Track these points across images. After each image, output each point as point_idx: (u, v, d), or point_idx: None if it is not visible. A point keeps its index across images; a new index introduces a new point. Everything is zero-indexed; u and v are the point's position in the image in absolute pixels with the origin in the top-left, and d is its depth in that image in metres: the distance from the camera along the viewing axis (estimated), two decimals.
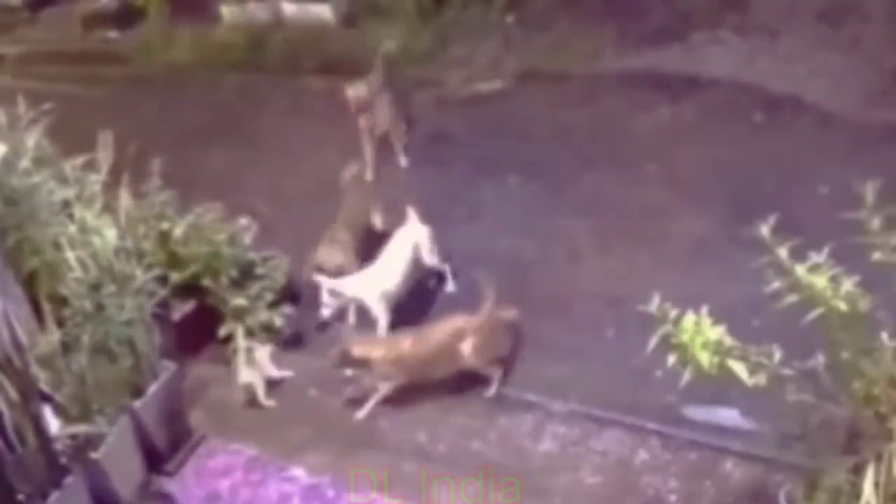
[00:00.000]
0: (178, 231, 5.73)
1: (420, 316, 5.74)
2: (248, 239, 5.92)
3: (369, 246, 6.05)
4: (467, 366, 5.27)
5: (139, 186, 5.65)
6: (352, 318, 5.87)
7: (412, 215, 5.97)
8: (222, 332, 5.64)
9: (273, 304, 5.75)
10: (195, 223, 5.81)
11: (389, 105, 7.23)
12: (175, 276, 5.57)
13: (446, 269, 6.07)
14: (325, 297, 5.67)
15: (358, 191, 6.49)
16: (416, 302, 5.89)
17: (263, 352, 5.51)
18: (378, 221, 6.37)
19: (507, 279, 6.03)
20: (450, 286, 6.06)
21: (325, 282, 5.66)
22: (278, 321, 5.70)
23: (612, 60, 7.82)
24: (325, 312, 5.70)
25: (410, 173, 7.15)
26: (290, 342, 5.79)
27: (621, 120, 7.13)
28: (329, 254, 5.94)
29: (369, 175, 6.98)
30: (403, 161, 7.24)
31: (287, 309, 5.79)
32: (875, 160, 5.74)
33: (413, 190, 6.65)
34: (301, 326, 5.86)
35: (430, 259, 5.98)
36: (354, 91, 7.00)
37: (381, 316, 5.67)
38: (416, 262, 5.90)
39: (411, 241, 5.89)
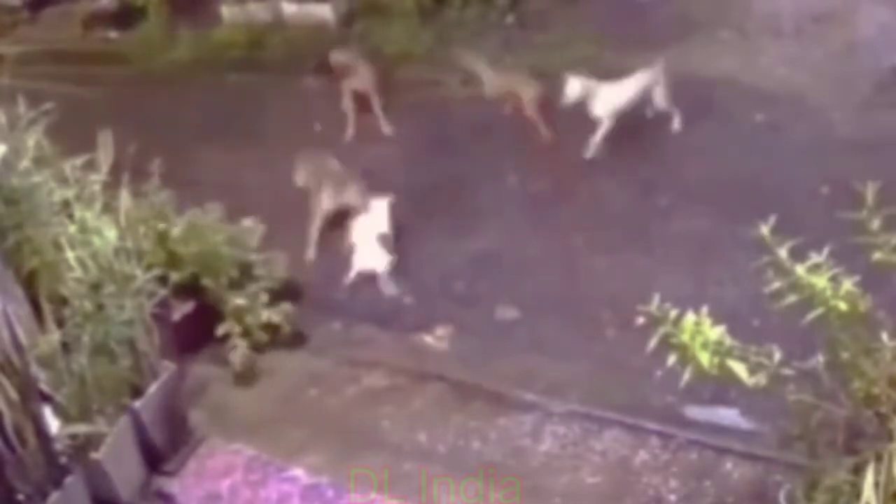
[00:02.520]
0: (177, 231, 5.73)
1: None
2: (255, 240, 5.93)
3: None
4: None
5: (139, 186, 5.65)
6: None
7: (659, 63, 6.98)
8: (220, 330, 5.64)
9: (273, 304, 5.75)
10: (194, 223, 5.81)
11: (369, 74, 7.85)
12: (174, 276, 5.57)
13: (675, 113, 6.97)
14: (570, 88, 6.99)
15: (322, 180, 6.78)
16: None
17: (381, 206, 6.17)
18: (354, 197, 6.62)
19: (507, 279, 6.06)
20: (676, 125, 6.96)
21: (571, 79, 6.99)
22: (277, 318, 5.69)
23: (612, 60, 7.82)
24: (566, 100, 6.93)
25: (410, 172, 7.15)
26: (290, 341, 5.80)
27: (621, 120, 7.12)
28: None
29: (350, 132, 7.73)
30: (386, 128, 7.74)
31: (286, 306, 5.78)
32: (875, 160, 5.74)
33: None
34: (301, 325, 5.86)
35: (661, 100, 6.97)
36: (335, 57, 7.89)
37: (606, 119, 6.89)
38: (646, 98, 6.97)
39: (645, 80, 6.97)
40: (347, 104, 7.87)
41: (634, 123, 7.00)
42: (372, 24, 8.77)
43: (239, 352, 5.55)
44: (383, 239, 6.31)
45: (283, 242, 6.26)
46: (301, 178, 6.86)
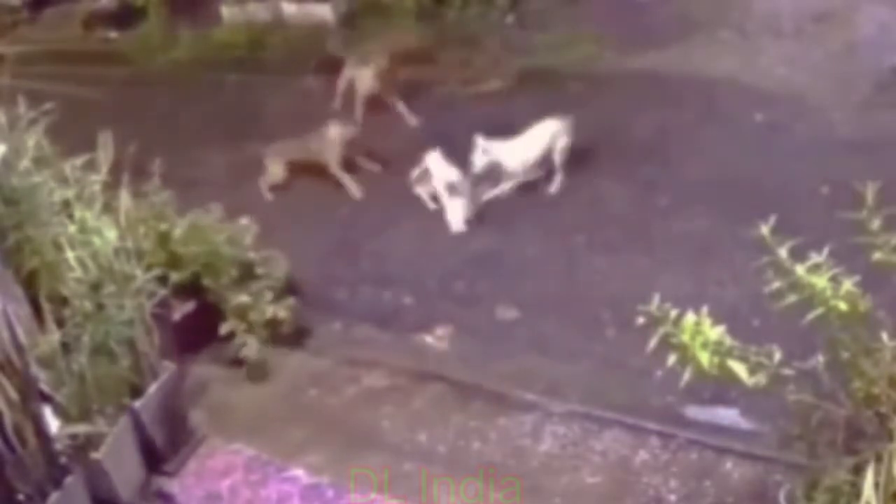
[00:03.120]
0: (177, 231, 5.73)
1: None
2: (248, 239, 5.92)
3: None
4: None
5: (139, 186, 5.65)
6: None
7: (561, 122, 6.79)
8: (224, 329, 5.64)
9: (274, 301, 5.75)
10: (195, 223, 5.81)
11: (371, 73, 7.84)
12: (175, 276, 5.57)
13: (558, 173, 6.79)
14: (477, 156, 6.66)
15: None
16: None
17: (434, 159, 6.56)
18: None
19: (507, 279, 6.06)
20: (553, 187, 6.78)
21: (480, 142, 6.64)
22: (283, 313, 5.69)
23: (612, 60, 7.82)
24: (475, 170, 6.67)
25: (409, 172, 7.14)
26: (290, 341, 5.79)
27: (621, 120, 7.13)
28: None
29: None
30: (412, 120, 7.78)
31: (291, 300, 5.78)
32: (875, 160, 5.74)
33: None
34: (301, 325, 5.86)
35: (559, 156, 6.78)
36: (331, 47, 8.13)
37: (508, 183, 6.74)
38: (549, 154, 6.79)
39: (550, 133, 6.77)
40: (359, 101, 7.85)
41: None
42: (372, 24, 8.76)
43: (251, 347, 5.55)
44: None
45: (283, 242, 6.26)
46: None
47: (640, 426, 4.84)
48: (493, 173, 6.73)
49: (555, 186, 6.74)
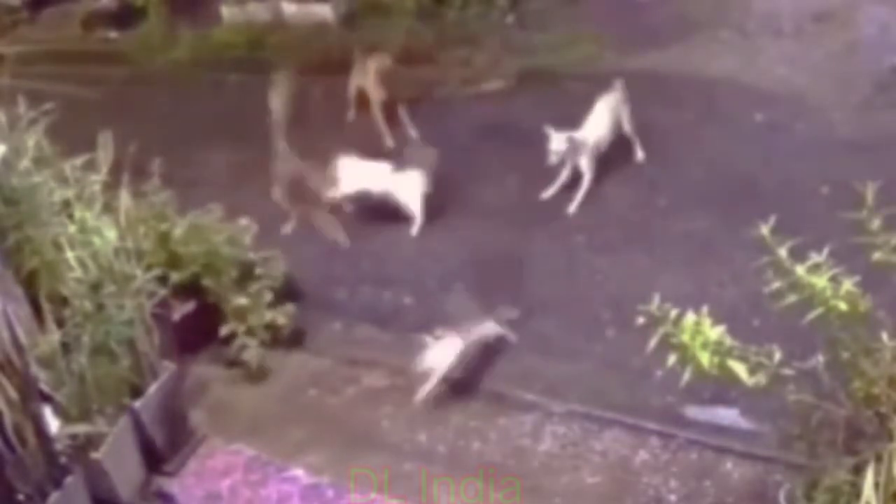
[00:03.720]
0: (177, 231, 5.73)
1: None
2: (247, 239, 5.92)
3: None
4: None
5: (139, 186, 5.65)
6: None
7: (618, 86, 6.77)
8: (224, 330, 5.64)
9: (273, 304, 5.75)
10: (195, 223, 5.81)
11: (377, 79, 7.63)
12: (175, 276, 5.57)
13: (636, 140, 6.79)
14: (554, 145, 6.53)
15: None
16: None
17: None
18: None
19: (507, 279, 6.05)
20: (639, 155, 6.80)
21: (554, 133, 6.55)
22: (282, 319, 5.69)
23: (612, 60, 7.82)
24: (552, 158, 6.56)
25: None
26: (290, 341, 5.79)
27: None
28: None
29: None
30: (412, 131, 7.54)
31: (289, 306, 5.78)
32: (875, 160, 5.74)
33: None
34: (301, 325, 5.86)
35: (627, 125, 6.79)
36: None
37: (588, 168, 6.61)
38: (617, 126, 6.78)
39: (613, 105, 6.75)
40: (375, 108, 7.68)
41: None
42: (372, 24, 8.76)
43: (252, 351, 5.55)
44: None
45: (283, 242, 6.26)
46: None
47: (640, 426, 4.84)
48: (573, 157, 6.66)
49: (639, 154, 6.83)
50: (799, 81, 7.16)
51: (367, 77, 7.62)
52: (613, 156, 6.79)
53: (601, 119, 6.74)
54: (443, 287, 6.06)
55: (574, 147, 6.55)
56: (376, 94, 7.56)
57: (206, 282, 5.70)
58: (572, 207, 6.47)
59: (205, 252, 5.70)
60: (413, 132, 7.50)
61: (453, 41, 8.45)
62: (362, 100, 7.72)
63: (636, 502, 4.52)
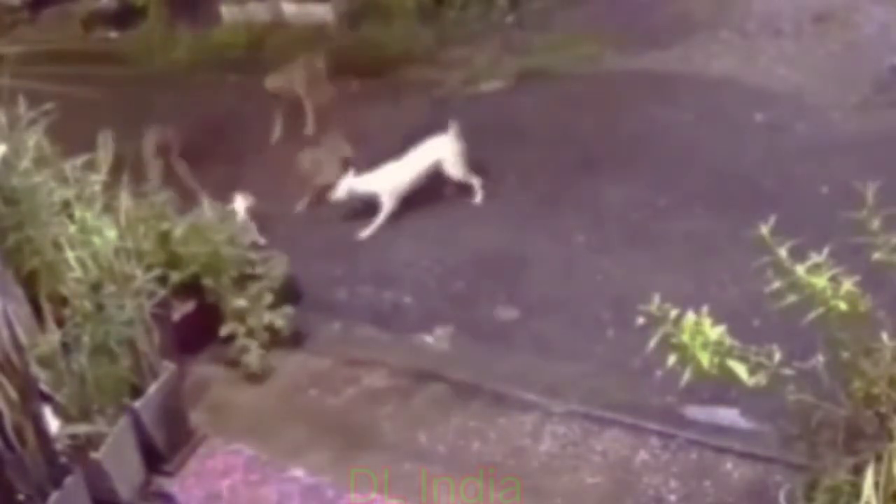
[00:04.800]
0: (177, 231, 5.73)
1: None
2: (247, 239, 5.93)
3: None
4: None
5: (139, 187, 5.66)
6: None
7: (452, 131, 6.64)
8: (224, 331, 5.64)
9: (274, 304, 5.75)
10: (195, 223, 5.81)
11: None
12: (175, 276, 5.57)
13: (474, 182, 6.69)
14: (342, 187, 6.58)
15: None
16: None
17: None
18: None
19: (507, 279, 6.06)
20: (478, 198, 6.69)
21: (348, 179, 6.57)
22: (280, 322, 5.69)
23: (612, 60, 7.82)
24: (337, 195, 6.63)
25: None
26: (290, 341, 5.79)
27: (621, 120, 7.13)
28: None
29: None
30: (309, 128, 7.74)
31: (288, 309, 5.78)
32: (875, 160, 5.74)
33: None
34: (301, 325, 5.86)
35: (455, 171, 6.66)
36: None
37: (387, 206, 6.61)
38: (436, 170, 6.67)
39: (436, 152, 6.66)
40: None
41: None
42: (372, 24, 8.76)
43: (253, 353, 5.54)
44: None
45: (282, 242, 6.26)
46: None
47: (640, 426, 4.84)
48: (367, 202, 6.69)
49: (478, 197, 6.71)
50: (799, 81, 7.16)
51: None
52: (611, 159, 6.80)
53: (416, 161, 6.71)
54: (443, 287, 6.07)
55: (356, 192, 6.66)
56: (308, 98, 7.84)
57: (206, 282, 5.70)
58: (366, 233, 6.59)
59: (205, 252, 5.70)
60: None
61: (453, 41, 8.46)
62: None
63: (636, 502, 4.51)
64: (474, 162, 7.00)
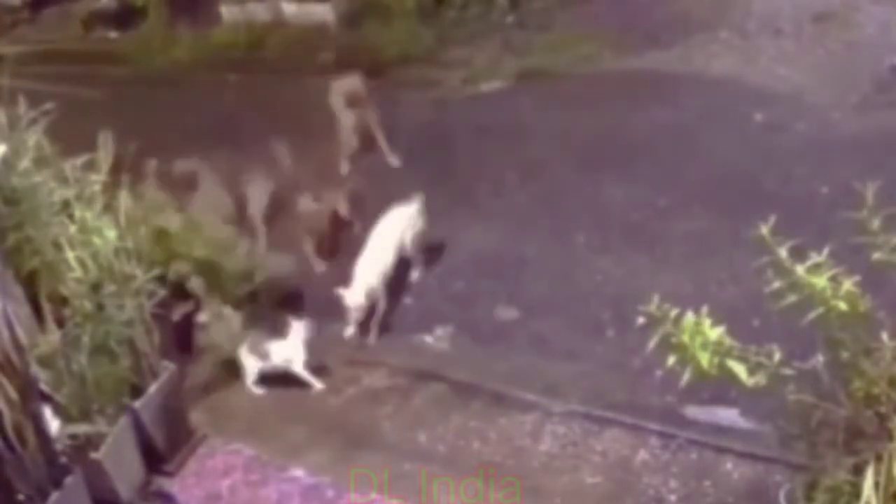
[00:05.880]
0: (177, 231, 5.73)
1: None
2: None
3: None
4: None
5: (139, 186, 5.66)
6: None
7: (416, 202, 6.11)
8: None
9: (273, 305, 5.76)
10: (195, 223, 5.81)
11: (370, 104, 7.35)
12: (174, 276, 5.57)
13: (418, 259, 6.16)
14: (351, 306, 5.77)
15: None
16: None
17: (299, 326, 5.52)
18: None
19: (507, 279, 6.06)
20: (415, 275, 6.17)
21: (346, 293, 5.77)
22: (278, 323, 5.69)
23: (612, 60, 7.83)
24: (356, 315, 5.81)
25: (410, 172, 7.15)
26: None
27: (621, 120, 7.13)
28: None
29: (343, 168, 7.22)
30: (395, 161, 7.22)
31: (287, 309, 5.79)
32: (875, 160, 5.74)
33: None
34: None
35: (412, 246, 6.12)
36: (347, 85, 7.23)
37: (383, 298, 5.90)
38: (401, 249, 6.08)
39: (402, 223, 6.08)
40: (351, 139, 7.32)
41: None
42: (372, 24, 8.76)
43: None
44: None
45: (282, 242, 6.26)
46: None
47: (640, 426, 4.84)
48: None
49: (416, 275, 6.20)
50: (799, 81, 7.16)
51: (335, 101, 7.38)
52: (611, 159, 6.80)
53: (385, 244, 5.99)
54: (443, 287, 6.07)
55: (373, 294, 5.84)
56: (345, 119, 7.33)
57: (206, 282, 5.70)
58: (371, 338, 5.85)
59: (205, 252, 5.71)
60: (394, 160, 7.21)
61: (453, 41, 8.46)
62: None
63: (636, 502, 4.52)
64: (474, 162, 7.01)
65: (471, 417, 5.13)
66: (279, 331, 5.52)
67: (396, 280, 6.05)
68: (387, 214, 6.09)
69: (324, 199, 6.56)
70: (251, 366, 5.51)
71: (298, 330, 5.48)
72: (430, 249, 6.26)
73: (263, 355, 5.49)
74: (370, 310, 5.84)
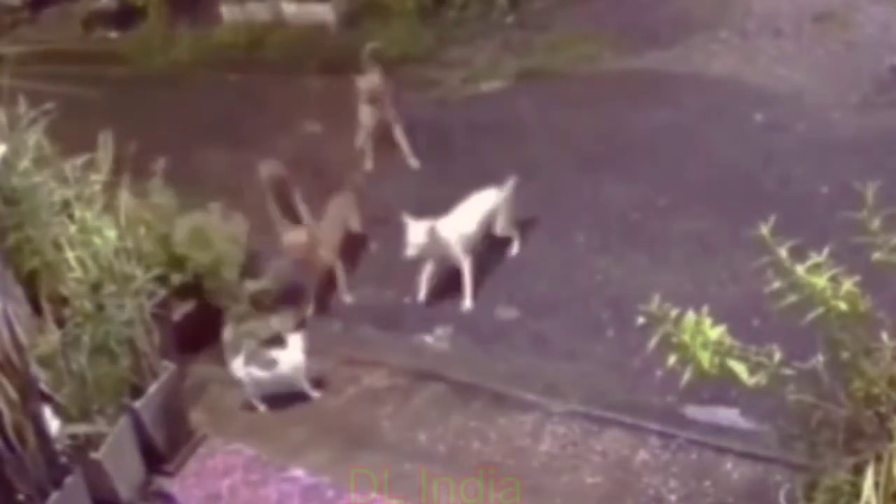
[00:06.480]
0: (178, 231, 5.73)
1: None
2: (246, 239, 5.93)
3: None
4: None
5: (139, 186, 5.66)
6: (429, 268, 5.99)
7: (510, 184, 6.14)
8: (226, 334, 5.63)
9: (273, 307, 5.75)
10: (195, 223, 5.81)
11: (393, 103, 7.26)
12: (175, 276, 5.57)
13: (515, 236, 6.23)
14: (411, 237, 5.76)
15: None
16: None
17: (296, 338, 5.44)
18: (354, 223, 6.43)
19: (507, 279, 6.06)
20: (514, 249, 6.22)
21: (412, 222, 5.77)
22: (278, 325, 5.69)
23: (612, 60, 7.82)
24: (410, 252, 5.80)
25: (409, 173, 7.15)
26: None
27: (621, 120, 7.12)
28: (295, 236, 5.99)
29: (368, 165, 7.15)
30: (414, 162, 7.17)
31: (287, 310, 5.79)
32: (875, 160, 5.74)
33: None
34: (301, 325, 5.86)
35: (503, 227, 6.17)
36: (367, 82, 7.10)
37: (463, 260, 5.93)
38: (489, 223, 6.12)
39: (490, 203, 6.12)
40: (370, 138, 7.23)
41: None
42: (372, 24, 8.76)
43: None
44: None
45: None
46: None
47: (640, 426, 4.84)
48: (435, 251, 5.91)
49: (514, 248, 6.23)
50: (799, 81, 7.15)
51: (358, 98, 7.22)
52: (611, 159, 6.80)
53: (473, 212, 6.06)
54: (443, 287, 6.07)
55: (435, 239, 5.82)
56: (366, 118, 7.22)
57: (207, 282, 5.70)
58: (467, 303, 5.90)
59: (205, 252, 5.70)
60: (413, 160, 7.16)
61: (453, 41, 8.46)
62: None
63: (636, 502, 4.51)
64: (474, 162, 7.00)
65: (471, 417, 5.13)
66: (277, 342, 5.45)
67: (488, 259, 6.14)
68: (478, 192, 6.13)
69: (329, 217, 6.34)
70: (249, 380, 5.40)
71: (296, 341, 5.42)
72: None
73: (263, 368, 5.39)
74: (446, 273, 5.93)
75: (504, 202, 6.15)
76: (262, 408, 5.44)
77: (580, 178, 6.69)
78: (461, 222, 6.00)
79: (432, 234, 5.79)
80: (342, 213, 6.38)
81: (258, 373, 5.38)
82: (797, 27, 7.71)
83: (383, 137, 7.24)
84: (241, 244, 5.91)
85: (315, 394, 5.45)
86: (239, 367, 5.39)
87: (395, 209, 6.08)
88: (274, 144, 7.65)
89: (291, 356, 5.40)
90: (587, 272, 5.96)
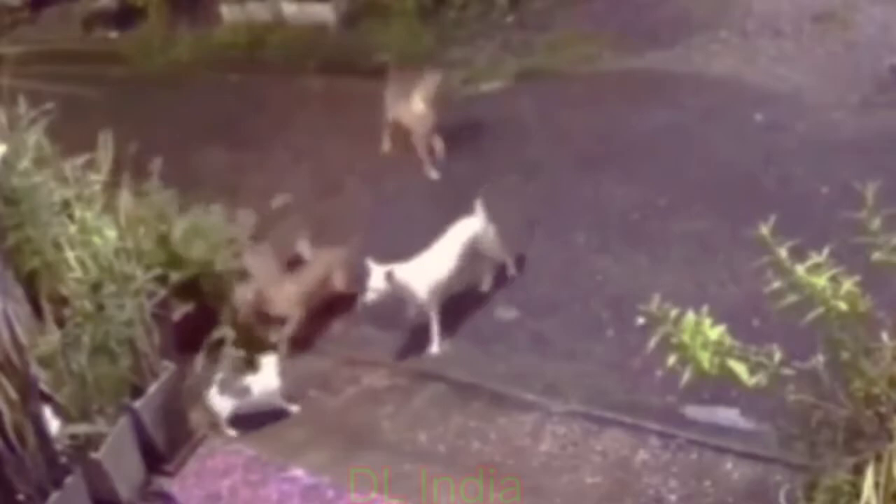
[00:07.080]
0: (178, 231, 5.73)
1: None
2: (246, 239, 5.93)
3: None
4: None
5: (139, 186, 5.66)
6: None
7: (478, 208, 5.78)
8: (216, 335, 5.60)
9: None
10: (195, 223, 5.81)
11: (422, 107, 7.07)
12: (175, 276, 5.57)
13: (508, 261, 5.97)
14: (372, 281, 5.43)
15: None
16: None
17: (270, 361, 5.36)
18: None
19: (506, 279, 6.05)
20: (511, 270, 5.99)
21: (374, 267, 5.46)
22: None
23: (612, 60, 7.82)
24: (370, 296, 5.48)
25: (409, 173, 7.15)
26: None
27: (621, 120, 7.12)
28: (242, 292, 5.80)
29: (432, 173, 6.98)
30: (434, 174, 7.02)
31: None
32: (875, 160, 5.74)
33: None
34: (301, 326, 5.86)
35: (493, 252, 5.87)
36: (430, 82, 7.03)
37: (432, 308, 5.61)
38: (473, 255, 5.76)
39: (469, 233, 5.74)
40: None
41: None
42: (372, 24, 8.76)
43: (226, 361, 5.48)
44: None
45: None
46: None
47: (640, 426, 4.84)
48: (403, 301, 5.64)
49: (510, 270, 5.98)
50: (799, 81, 7.15)
51: (408, 107, 7.02)
52: (611, 159, 6.80)
53: (447, 251, 5.68)
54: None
55: (395, 285, 5.49)
56: (420, 127, 7.00)
57: (206, 282, 5.70)
58: (434, 348, 5.63)
59: (205, 252, 5.70)
60: (433, 173, 6.99)
61: (453, 41, 8.46)
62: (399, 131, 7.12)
63: (636, 502, 4.52)
64: (474, 162, 7.00)
65: (471, 417, 5.13)
66: (249, 367, 5.33)
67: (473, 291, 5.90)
68: (452, 226, 5.75)
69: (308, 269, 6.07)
70: (224, 408, 5.29)
71: (270, 363, 5.32)
72: None
73: (239, 394, 5.28)
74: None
75: (482, 228, 5.78)
76: (230, 432, 5.31)
77: (580, 178, 6.69)
78: (428, 265, 5.61)
79: (391, 279, 5.45)
80: (325, 270, 6.03)
81: (231, 401, 5.29)
82: (797, 27, 7.70)
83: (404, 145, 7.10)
84: (241, 245, 5.90)
85: (293, 409, 5.36)
86: (213, 395, 5.30)
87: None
88: (274, 144, 7.66)
89: (265, 381, 5.30)
90: (587, 272, 5.95)
